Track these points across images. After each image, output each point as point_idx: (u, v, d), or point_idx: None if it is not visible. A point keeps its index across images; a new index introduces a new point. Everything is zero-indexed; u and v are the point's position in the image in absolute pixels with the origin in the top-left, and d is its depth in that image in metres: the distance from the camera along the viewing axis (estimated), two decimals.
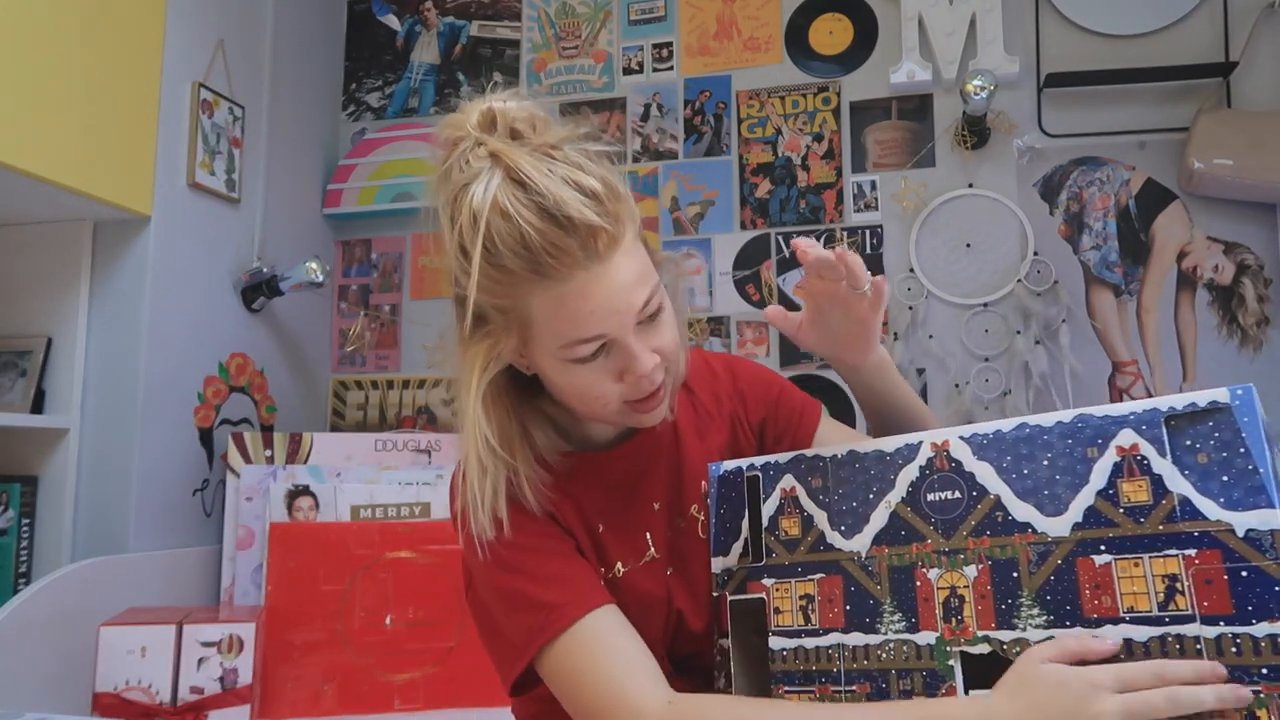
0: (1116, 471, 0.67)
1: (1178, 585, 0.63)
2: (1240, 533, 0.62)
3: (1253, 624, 0.60)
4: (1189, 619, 0.62)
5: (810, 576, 0.80)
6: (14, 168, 1.43)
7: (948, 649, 0.71)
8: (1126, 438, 0.68)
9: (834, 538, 0.80)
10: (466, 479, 0.82)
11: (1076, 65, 1.95)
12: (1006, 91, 1.98)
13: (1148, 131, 1.93)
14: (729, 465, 0.89)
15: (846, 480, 0.80)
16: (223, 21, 1.93)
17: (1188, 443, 0.65)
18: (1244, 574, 0.61)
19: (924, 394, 1.97)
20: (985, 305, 1.96)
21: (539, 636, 0.81)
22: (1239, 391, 0.64)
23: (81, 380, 1.69)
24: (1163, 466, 0.66)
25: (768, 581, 0.83)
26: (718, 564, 0.88)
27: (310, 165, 2.27)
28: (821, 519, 0.81)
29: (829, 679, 0.77)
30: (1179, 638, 0.63)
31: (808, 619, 0.79)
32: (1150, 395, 1.88)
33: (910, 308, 1.98)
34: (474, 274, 0.74)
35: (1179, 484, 0.65)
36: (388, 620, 1.72)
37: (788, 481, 0.84)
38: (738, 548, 0.86)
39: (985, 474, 0.73)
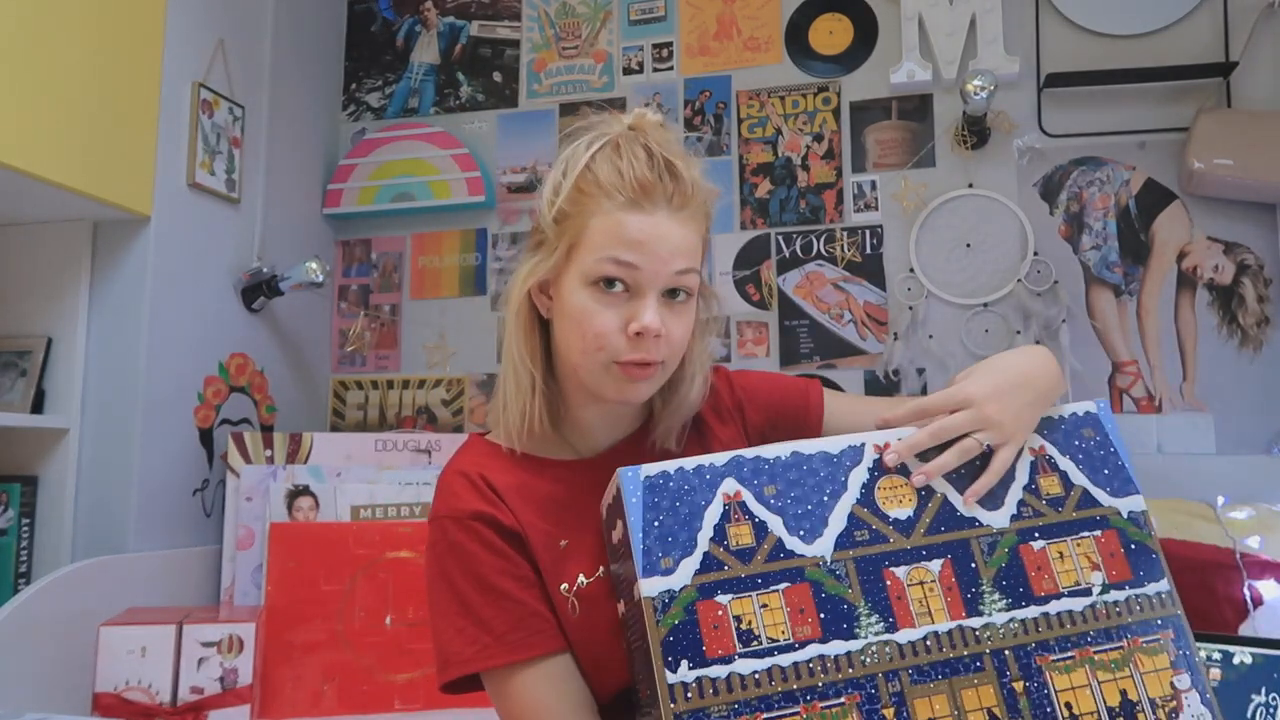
0: (1034, 469, 0.80)
1: (1096, 561, 0.77)
2: (1124, 514, 0.78)
3: (1146, 585, 0.76)
4: (1107, 591, 0.77)
5: (773, 587, 0.74)
6: (14, 168, 1.43)
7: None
8: (1034, 440, 0.81)
9: (794, 544, 0.76)
10: (499, 394, 0.92)
11: (1076, 65, 1.95)
12: (1006, 91, 1.98)
13: (1148, 131, 1.93)
14: (651, 469, 0.79)
15: (797, 483, 0.78)
16: (223, 21, 1.93)
17: (1076, 443, 0.81)
18: (1133, 546, 0.77)
19: (924, 394, 1.96)
20: (985, 305, 1.96)
21: (490, 658, 0.86)
22: (1101, 404, 0.82)
23: (81, 380, 1.69)
24: (1066, 464, 0.80)
25: (723, 598, 0.74)
26: (651, 586, 0.75)
27: (310, 165, 2.27)
28: (776, 524, 0.77)
29: (814, 695, 0.72)
30: (1106, 603, 0.76)
31: (781, 633, 0.73)
32: (1150, 395, 1.88)
33: (910, 308, 1.98)
34: (570, 177, 0.88)
35: (1079, 478, 0.80)
36: (388, 620, 1.72)
37: (730, 486, 0.78)
38: (689, 564, 0.75)
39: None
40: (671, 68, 2.21)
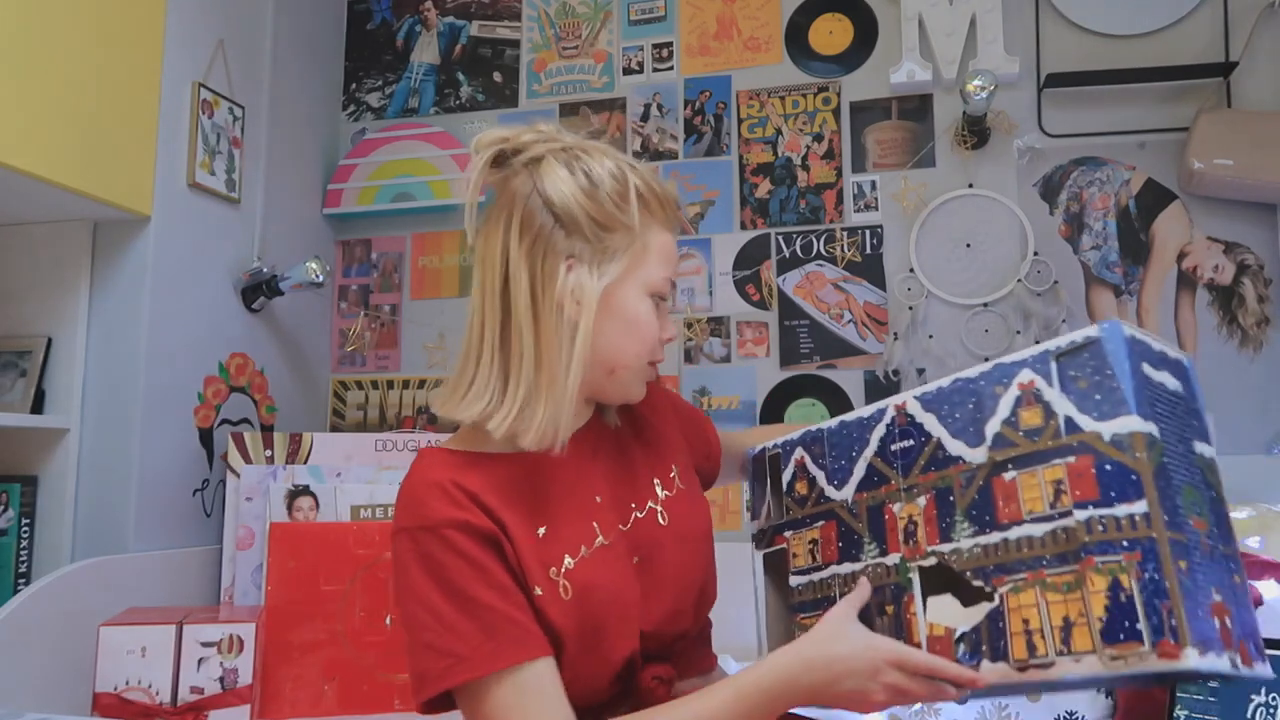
0: (1018, 403, 0.82)
1: (1062, 487, 0.77)
2: (1107, 438, 0.75)
3: (1115, 506, 0.74)
4: (1068, 512, 0.76)
5: (815, 525, 0.98)
6: (14, 168, 1.43)
7: (908, 565, 0.88)
8: (1025, 375, 0.82)
9: (830, 491, 0.97)
10: (524, 410, 0.90)
11: (1076, 65, 1.95)
12: (1006, 91, 1.98)
13: (1148, 131, 1.93)
14: (757, 448, 1.09)
15: (837, 444, 0.98)
16: (223, 21, 1.93)
17: (1072, 373, 0.79)
18: (1108, 468, 0.75)
19: None
20: (985, 305, 1.96)
21: (465, 671, 0.84)
22: (1106, 325, 0.77)
23: (81, 380, 1.69)
24: (1051, 395, 0.80)
25: (788, 534, 1.02)
26: (754, 526, 1.07)
27: (310, 165, 2.27)
28: (821, 478, 0.98)
29: (829, 601, 0.93)
30: (1064, 530, 0.76)
31: (814, 559, 0.97)
32: None
33: (910, 308, 1.98)
34: (635, 190, 0.93)
35: (1064, 406, 0.78)
36: (388, 620, 1.72)
37: (799, 453, 1.02)
38: (764, 510, 1.06)
39: (930, 422, 0.88)
40: (671, 68, 2.22)
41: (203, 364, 1.86)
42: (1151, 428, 0.74)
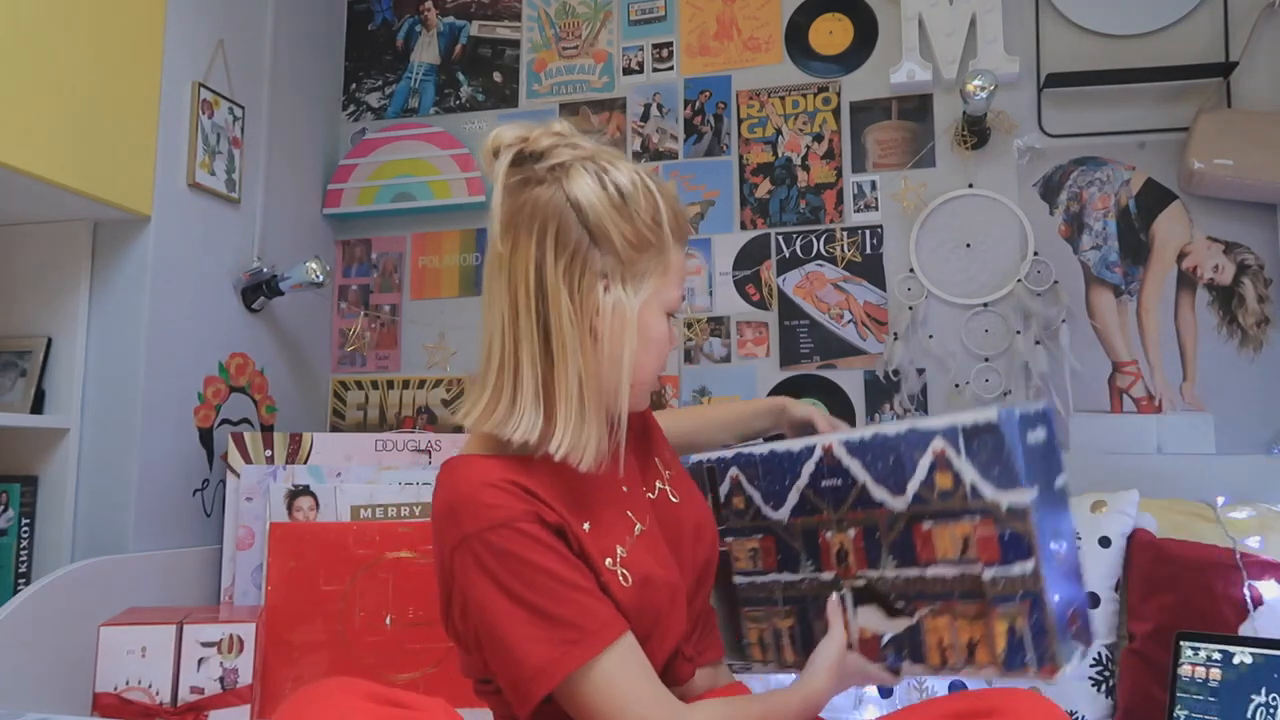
0: (933, 468, 0.96)
1: (969, 541, 0.94)
2: (1004, 507, 0.91)
3: (1012, 566, 0.92)
4: (975, 562, 0.94)
5: (755, 536, 1.12)
6: (14, 168, 1.43)
7: (841, 583, 1.04)
8: (938, 444, 0.96)
9: (767, 510, 1.11)
10: (577, 433, 0.90)
11: (1076, 65, 1.95)
12: (1006, 91, 1.98)
13: (1148, 131, 1.93)
14: (693, 459, 1.20)
15: (770, 471, 1.11)
16: (223, 21, 1.93)
17: (975, 446, 0.94)
18: (1006, 535, 0.92)
19: (924, 394, 1.97)
20: (985, 305, 1.96)
21: (582, 653, 0.85)
22: (1003, 413, 0.92)
23: (81, 380, 1.69)
24: (959, 464, 0.94)
25: (729, 539, 1.15)
26: None
27: (310, 165, 2.27)
28: (758, 498, 1.12)
29: (771, 602, 1.11)
30: (970, 575, 0.94)
31: (755, 564, 1.12)
32: (1150, 395, 1.88)
33: (910, 308, 1.98)
34: (666, 207, 0.95)
35: (970, 474, 0.94)
36: (388, 620, 1.72)
37: (734, 471, 1.15)
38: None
39: (856, 468, 1.03)
40: (671, 68, 2.22)
41: (203, 364, 1.86)
42: (1034, 492, 0.91)
